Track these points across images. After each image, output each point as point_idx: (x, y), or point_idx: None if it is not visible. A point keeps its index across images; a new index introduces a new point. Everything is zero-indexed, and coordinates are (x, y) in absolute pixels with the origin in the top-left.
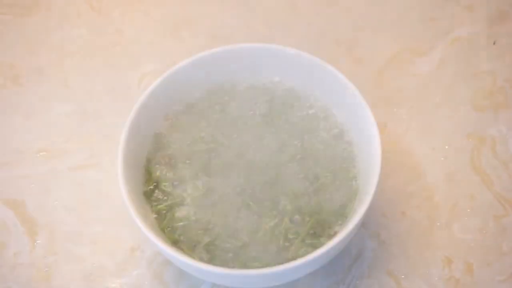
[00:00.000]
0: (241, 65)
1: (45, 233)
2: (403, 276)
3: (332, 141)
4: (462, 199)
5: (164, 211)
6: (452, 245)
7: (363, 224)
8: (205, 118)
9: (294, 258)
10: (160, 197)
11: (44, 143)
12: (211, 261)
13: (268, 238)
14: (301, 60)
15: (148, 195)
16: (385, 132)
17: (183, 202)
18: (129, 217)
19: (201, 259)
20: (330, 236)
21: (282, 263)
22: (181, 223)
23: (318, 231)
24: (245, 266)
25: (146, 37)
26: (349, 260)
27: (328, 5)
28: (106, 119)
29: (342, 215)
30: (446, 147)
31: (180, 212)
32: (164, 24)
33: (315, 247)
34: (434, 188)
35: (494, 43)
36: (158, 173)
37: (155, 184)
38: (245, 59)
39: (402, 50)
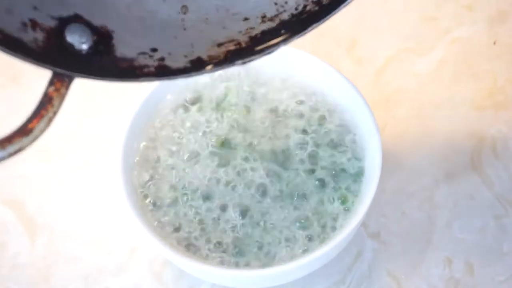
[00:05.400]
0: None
1: (45, 233)
2: (403, 276)
3: (332, 141)
4: (462, 199)
5: (164, 212)
6: (452, 245)
7: (363, 224)
8: (207, 117)
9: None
10: (161, 197)
11: (44, 143)
12: (211, 261)
13: (271, 239)
14: (301, 60)
15: (148, 196)
16: (385, 132)
17: (183, 202)
18: (129, 217)
19: (201, 259)
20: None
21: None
22: (182, 224)
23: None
24: (247, 266)
25: None
26: (349, 260)
27: None
28: (106, 119)
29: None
30: (446, 147)
31: (181, 213)
32: None
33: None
34: (434, 188)
35: (494, 43)
36: (158, 173)
37: (155, 184)
38: None
39: (402, 50)
